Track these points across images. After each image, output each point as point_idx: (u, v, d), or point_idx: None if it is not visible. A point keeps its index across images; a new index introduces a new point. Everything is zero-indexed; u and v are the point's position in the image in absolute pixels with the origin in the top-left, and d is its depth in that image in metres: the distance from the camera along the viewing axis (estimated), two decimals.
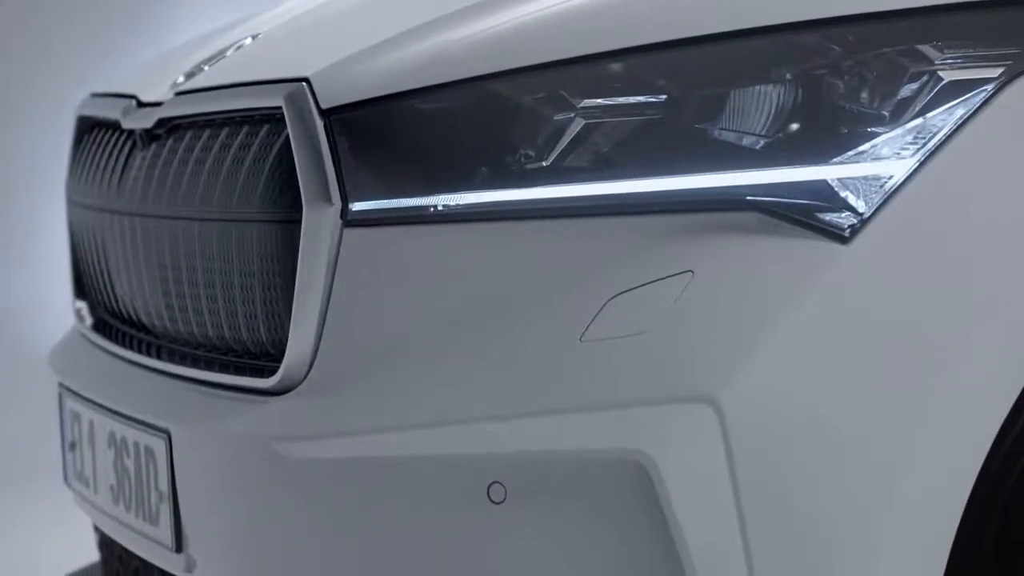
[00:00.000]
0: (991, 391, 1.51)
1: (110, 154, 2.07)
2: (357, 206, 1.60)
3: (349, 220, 1.60)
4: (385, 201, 1.60)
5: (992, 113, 1.54)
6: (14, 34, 5.31)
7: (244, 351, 1.77)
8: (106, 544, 2.22)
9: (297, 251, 1.62)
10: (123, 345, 2.04)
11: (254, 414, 1.66)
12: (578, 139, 1.56)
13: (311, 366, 1.63)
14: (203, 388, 1.79)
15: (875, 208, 1.51)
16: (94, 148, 2.14)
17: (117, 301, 2.07)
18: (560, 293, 1.54)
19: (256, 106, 1.73)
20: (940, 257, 1.51)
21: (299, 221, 1.62)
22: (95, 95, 2.22)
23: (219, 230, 1.75)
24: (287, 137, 1.65)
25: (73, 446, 2.07)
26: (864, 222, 1.50)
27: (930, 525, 1.50)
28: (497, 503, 1.51)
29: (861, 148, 1.52)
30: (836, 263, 1.49)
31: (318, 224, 1.60)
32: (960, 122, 1.53)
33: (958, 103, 1.53)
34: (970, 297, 1.51)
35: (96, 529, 2.27)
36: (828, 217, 1.50)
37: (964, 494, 1.51)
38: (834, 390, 1.48)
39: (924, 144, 1.52)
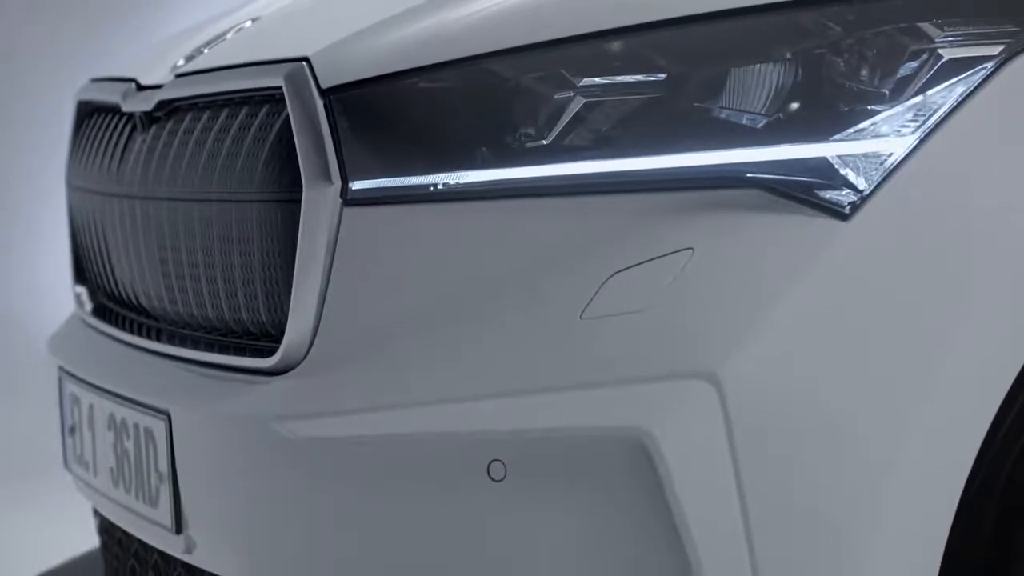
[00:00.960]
0: (991, 368, 1.51)
1: (110, 138, 2.07)
2: (357, 185, 1.61)
3: (349, 199, 1.60)
4: (385, 180, 1.60)
5: (992, 91, 1.53)
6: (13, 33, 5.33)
7: (244, 332, 1.77)
8: (106, 529, 2.22)
9: (297, 231, 1.62)
10: (123, 328, 2.04)
11: (254, 394, 1.66)
12: (578, 118, 1.56)
13: (311, 345, 1.63)
14: (203, 369, 1.79)
15: (875, 185, 1.51)
16: (94, 132, 2.14)
17: (117, 285, 2.07)
18: (560, 271, 1.54)
19: (256, 86, 1.73)
20: (940, 234, 1.51)
21: (299, 200, 1.62)
22: (95, 80, 2.22)
23: (219, 211, 1.75)
24: (287, 117, 1.65)
25: (73, 430, 2.07)
26: (864, 199, 1.50)
27: (930, 500, 1.49)
28: (497, 481, 1.51)
29: (861, 126, 1.52)
30: (836, 240, 1.49)
31: (318, 203, 1.60)
32: (960, 100, 1.53)
33: (958, 81, 1.53)
34: (970, 274, 1.51)
35: (96, 514, 2.27)
36: (828, 194, 1.50)
37: (964, 470, 1.51)
38: (833, 366, 1.48)
39: (924, 122, 1.52)
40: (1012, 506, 1.57)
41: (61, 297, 2.71)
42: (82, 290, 2.25)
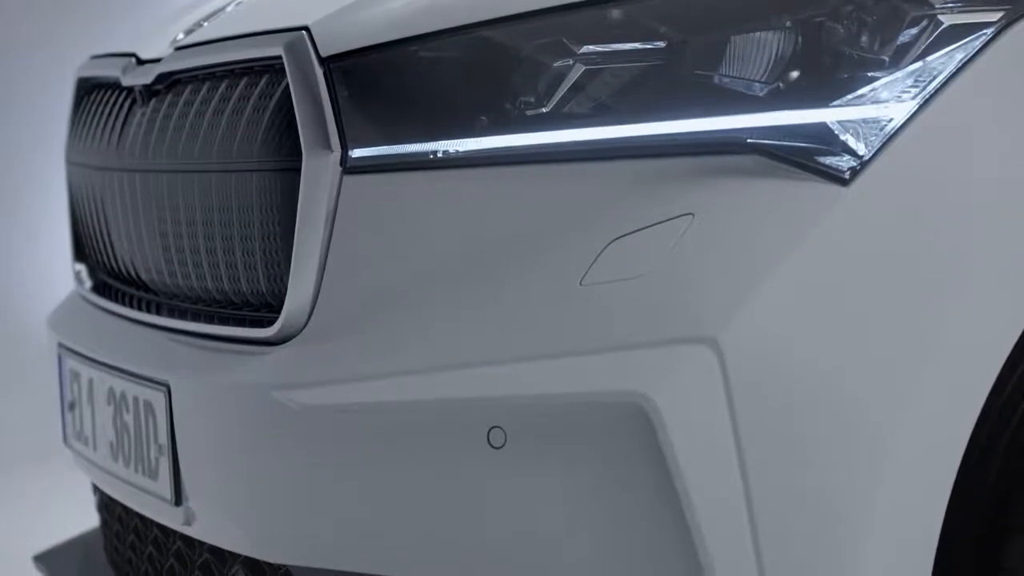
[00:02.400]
0: (991, 334, 1.51)
1: (110, 113, 2.07)
2: (357, 153, 1.61)
3: (349, 167, 1.60)
4: (385, 148, 1.61)
5: (991, 57, 1.53)
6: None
7: (244, 303, 1.77)
8: (105, 506, 2.22)
9: (296, 200, 1.62)
10: (122, 303, 2.04)
11: (254, 364, 1.66)
12: (578, 85, 1.56)
13: (311, 315, 1.63)
14: (203, 341, 1.79)
15: (875, 151, 1.51)
16: (94, 108, 2.14)
17: (116, 260, 2.07)
18: (560, 237, 1.54)
19: (256, 56, 1.73)
20: (940, 199, 1.51)
21: (299, 169, 1.62)
22: (95, 56, 2.22)
23: (219, 181, 1.75)
24: (287, 86, 1.65)
25: (72, 406, 2.07)
26: (864, 164, 1.50)
27: (930, 467, 1.49)
28: (497, 447, 1.51)
29: (861, 92, 1.52)
30: (836, 205, 1.49)
31: (318, 171, 1.60)
32: (960, 66, 1.53)
33: (957, 47, 1.53)
34: (970, 239, 1.51)
35: (95, 491, 2.27)
36: (828, 160, 1.50)
37: (964, 437, 1.51)
38: (833, 330, 1.48)
39: (924, 87, 1.52)
40: (1011, 476, 1.57)
41: (60, 291, 2.71)
42: (81, 267, 2.25)
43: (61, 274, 2.34)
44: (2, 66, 5.43)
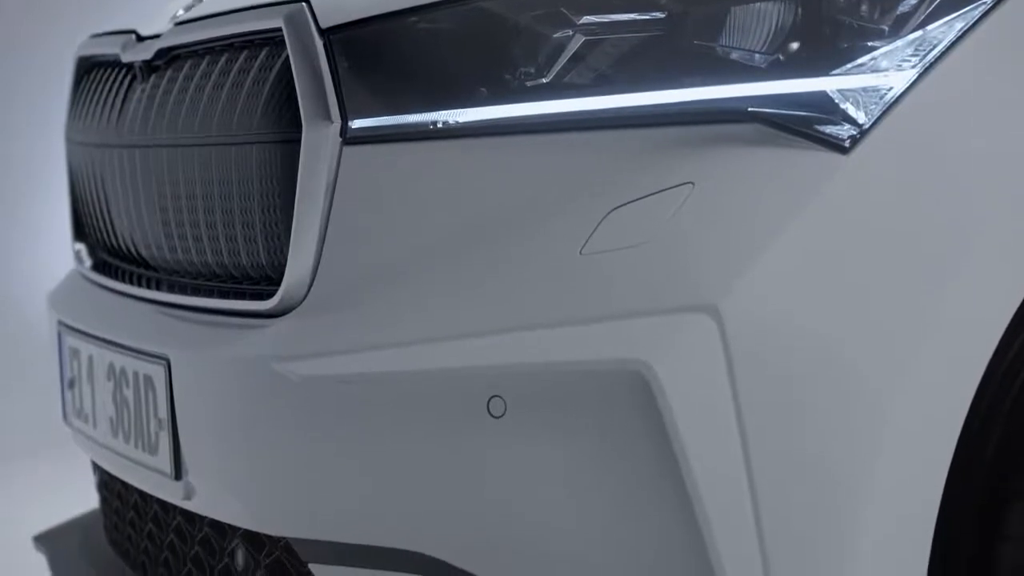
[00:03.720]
0: (991, 302, 1.51)
1: (110, 90, 2.07)
2: (356, 124, 1.61)
3: (349, 138, 1.60)
4: (384, 118, 1.61)
5: (991, 26, 1.53)
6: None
7: (244, 277, 1.77)
8: (105, 484, 2.22)
9: (296, 172, 1.62)
10: (122, 280, 2.04)
11: (253, 336, 1.66)
12: (578, 55, 1.56)
13: (310, 286, 1.63)
14: (202, 315, 1.79)
15: (875, 119, 1.50)
16: (94, 86, 2.14)
17: (116, 237, 2.07)
18: (560, 207, 1.53)
19: (255, 29, 1.73)
20: (939, 168, 1.51)
21: (299, 141, 1.62)
22: (94, 36, 2.22)
23: (219, 155, 1.75)
24: (286, 58, 1.65)
25: (72, 383, 2.07)
26: (864, 133, 1.50)
27: (930, 435, 1.49)
28: (497, 417, 1.51)
29: (861, 60, 1.52)
30: (836, 173, 1.49)
31: (318, 142, 1.60)
32: (959, 35, 1.53)
33: (957, 16, 1.53)
34: (969, 208, 1.51)
35: (95, 470, 2.27)
36: (828, 128, 1.50)
37: (964, 405, 1.50)
38: (833, 299, 1.47)
39: (923, 57, 1.52)
40: (1011, 445, 1.57)
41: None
42: (81, 247, 2.25)
43: (61, 274, 2.34)
44: (2, 66, 5.44)
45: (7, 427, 4.65)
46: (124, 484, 2.10)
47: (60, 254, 3.11)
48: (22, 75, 5.42)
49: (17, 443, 4.49)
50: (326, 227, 1.61)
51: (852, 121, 1.50)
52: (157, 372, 1.77)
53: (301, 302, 1.64)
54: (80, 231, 2.26)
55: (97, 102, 2.10)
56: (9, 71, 5.44)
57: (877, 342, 1.48)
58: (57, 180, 2.44)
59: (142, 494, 2.03)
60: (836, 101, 1.51)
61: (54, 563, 2.26)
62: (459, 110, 1.58)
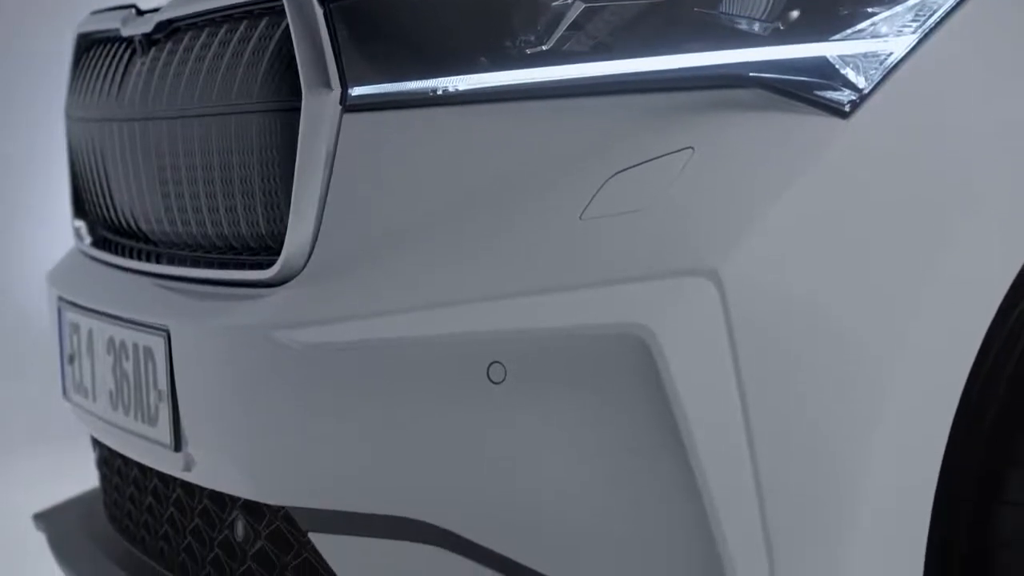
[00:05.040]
0: (991, 267, 1.51)
1: (110, 64, 2.07)
2: (356, 91, 1.60)
3: (349, 105, 1.60)
4: (384, 86, 1.60)
5: None
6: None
7: (244, 248, 1.77)
8: (105, 460, 2.22)
9: (296, 140, 1.62)
10: (122, 255, 2.04)
11: (253, 305, 1.66)
12: (578, 22, 1.56)
13: (310, 255, 1.63)
14: (202, 287, 1.79)
15: (874, 84, 1.51)
16: (94, 62, 2.14)
17: (116, 212, 2.07)
18: (560, 172, 1.53)
19: None
20: (939, 133, 1.51)
21: (299, 109, 1.62)
22: (94, 12, 2.21)
23: (219, 125, 1.75)
24: (286, 27, 1.65)
25: (72, 358, 2.07)
26: (864, 98, 1.50)
27: (930, 399, 1.49)
28: (497, 383, 1.51)
29: (861, 26, 1.52)
30: (836, 138, 1.49)
31: (318, 110, 1.60)
32: (959, 0, 1.53)
33: None
34: (969, 173, 1.51)
35: (95, 446, 2.27)
36: (828, 93, 1.50)
37: (964, 370, 1.50)
38: (833, 263, 1.47)
39: (924, 22, 1.52)
40: (1012, 409, 1.56)
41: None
42: (81, 224, 2.25)
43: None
44: (2, 65, 5.46)
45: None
46: (124, 460, 2.10)
47: (61, 247, 3.11)
48: (23, 75, 5.44)
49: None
50: (326, 195, 1.61)
51: (852, 86, 1.51)
52: (157, 343, 1.77)
53: (301, 270, 1.63)
54: (80, 208, 2.26)
55: (97, 77, 2.10)
56: (10, 71, 5.45)
57: (876, 307, 1.47)
58: (58, 174, 2.43)
59: (142, 469, 2.03)
60: (836, 66, 1.51)
61: (54, 541, 2.25)
62: (459, 77, 1.58)
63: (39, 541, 2.33)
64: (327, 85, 1.60)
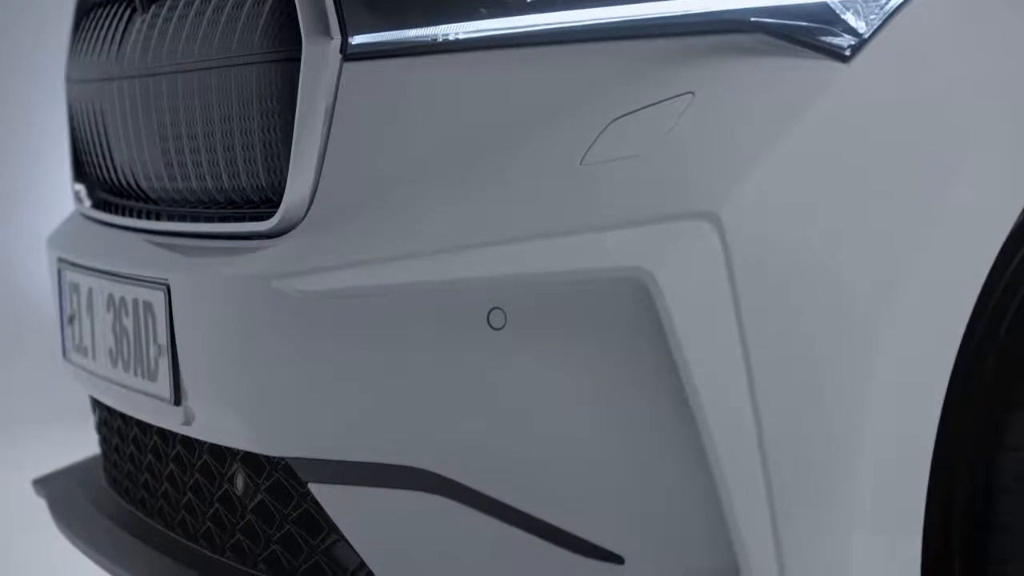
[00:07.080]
0: (991, 213, 1.51)
1: (109, 25, 2.07)
2: (357, 40, 1.60)
3: (349, 54, 1.60)
4: (384, 34, 1.60)
5: None
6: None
7: (244, 201, 1.77)
8: (104, 422, 2.22)
9: (296, 90, 1.62)
10: (122, 215, 2.04)
11: (253, 256, 1.66)
12: None
13: (310, 204, 1.63)
14: (202, 241, 1.79)
15: (875, 29, 1.51)
16: (94, 23, 2.14)
17: (116, 173, 2.07)
18: (560, 118, 1.53)
19: None
20: (939, 76, 1.51)
21: (299, 59, 1.62)
22: None
23: (219, 78, 1.75)
24: None
25: (72, 319, 2.07)
26: (864, 42, 1.50)
27: (929, 341, 1.49)
28: (497, 329, 1.51)
29: None
30: (836, 83, 1.50)
31: (318, 59, 1.60)
32: None
33: None
34: (968, 118, 1.51)
35: (94, 408, 2.27)
36: (829, 38, 1.51)
37: (964, 317, 1.51)
38: (833, 207, 1.48)
39: None
40: (1012, 355, 1.57)
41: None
42: (81, 187, 2.25)
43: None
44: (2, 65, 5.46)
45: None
46: (124, 420, 2.09)
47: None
48: (22, 74, 5.44)
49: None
50: (326, 144, 1.61)
51: (852, 31, 1.51)
52: (157, 297, 1.77)
53: (301, 221, 1.63)
54: (79, 172, 2.26)
55: (97, 39, 2.10)
56: (10, 71, 5.46)
57: (875, 251, 1.48)
58: (58, 172, 2.42)
59: (142, 427, 2.03)
60: (837, 11, 1.51)
61: (53, 505, 2.25)
62: (459, 24, 1.58)
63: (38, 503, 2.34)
64: (327, 34, 1.60)
